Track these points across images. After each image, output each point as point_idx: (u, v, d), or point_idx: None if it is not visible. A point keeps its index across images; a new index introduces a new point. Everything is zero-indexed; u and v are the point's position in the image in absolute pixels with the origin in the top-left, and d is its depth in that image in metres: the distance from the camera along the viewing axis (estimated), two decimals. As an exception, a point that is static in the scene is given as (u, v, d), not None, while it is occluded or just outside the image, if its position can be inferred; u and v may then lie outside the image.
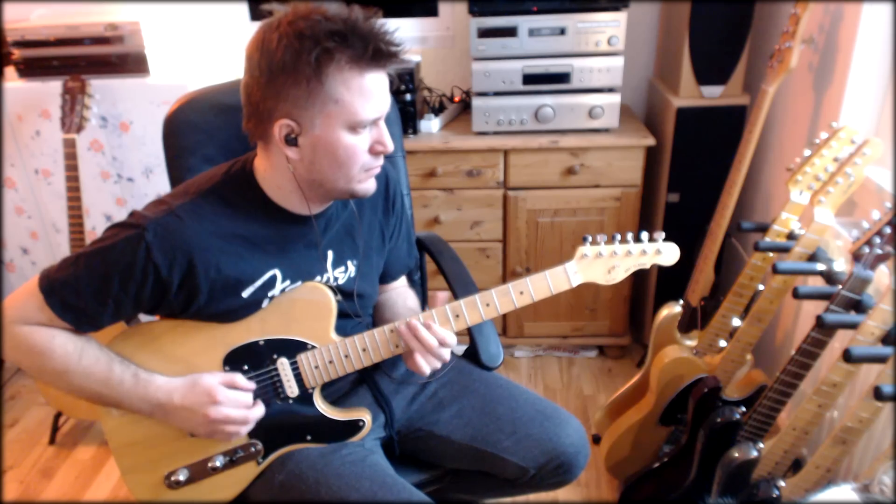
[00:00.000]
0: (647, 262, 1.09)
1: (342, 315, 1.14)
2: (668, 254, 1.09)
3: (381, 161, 1.05)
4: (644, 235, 1.08)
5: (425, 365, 1.08)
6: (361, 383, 1.26)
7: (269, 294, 1.08)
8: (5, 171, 2.13)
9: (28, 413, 2.26)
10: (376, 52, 0.93)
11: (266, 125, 0.98)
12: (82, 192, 1.91)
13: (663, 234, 1.08)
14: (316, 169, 1.00)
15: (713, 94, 1.98)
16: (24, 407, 2.29)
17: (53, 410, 2.10)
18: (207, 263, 1.02)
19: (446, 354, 1.09)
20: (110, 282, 0.99)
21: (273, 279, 1.08)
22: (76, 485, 1.95)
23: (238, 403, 1.06)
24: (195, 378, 1.06)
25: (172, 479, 1.11)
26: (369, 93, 0.95)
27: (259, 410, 1.09)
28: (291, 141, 0.98)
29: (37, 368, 1.04)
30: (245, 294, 1.06)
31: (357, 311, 1.19)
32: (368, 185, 1.06)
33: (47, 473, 1.99)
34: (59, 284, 1.00)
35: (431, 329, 1.06)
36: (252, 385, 1.09)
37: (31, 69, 2.03)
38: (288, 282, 1.09)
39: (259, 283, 1.07)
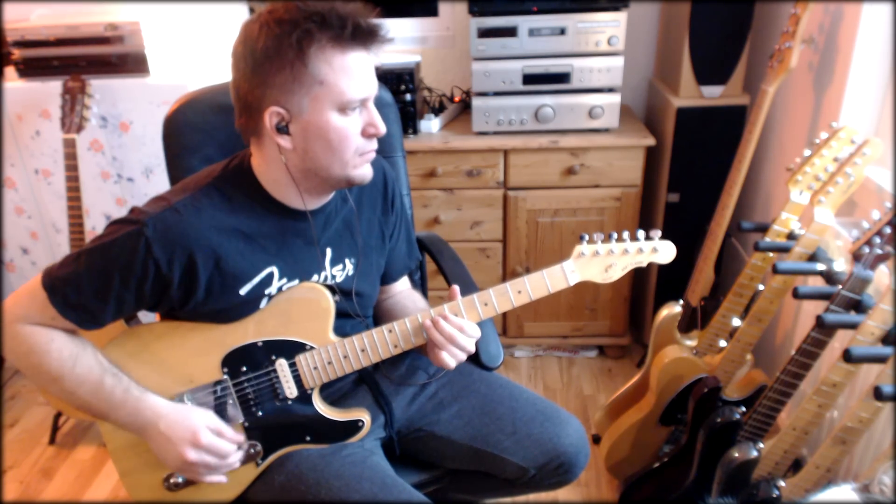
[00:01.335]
0: (643, 261, 1.09)
1: (342, 314, 1.14)
2: (664, 252, 1.09)
3: (374, 144, 1.04)
4: (640, 234, 1.08)
5: (449, 358, 1.07)
6: (361, 384, 1.26)
7: (267, 292, 1.08)
8: (5, 171, 2.13)
9: (28, 413, 2.26)
10: (356, 30, 0.94)
11: (256, 117, 0.98)
12: (82, 192, 1.91)
13: (659, 233, 1.08)
14: (310, 156, 1.00)
15: (713, 94, 1.98)
16: (24, 407, 2.29)
17: (53, 410, 2.10)
18: (207, 258, 1.02)
19: (471, 346, 1.08)
20: (111, 278, 0.99)
21: (270, 276, 1.08)
22: (76, 485, 1.95)
23: (218, 452, 1.06)
24: (187, 411, 1.05)
25: (171, 481, 1.11)
26: (353, 71, 0.96)
27: (235, 463, 1.09)
28: (283, 129, 0.98)
29: (33, 370, 1.04)
30: (242, 291, 1.06)
31: (356, 311, 1.19)
32: (364, 171, 1.05)
33: (47, 473, 1.99)
34: (62, 282, 1.00)
35: (450, 319, 1.06)
36: (239, 437, 1.09)
37: (31, 69, 2.03)
38: (285, 279, 1.09)
39: (256, 280, 1.07)
